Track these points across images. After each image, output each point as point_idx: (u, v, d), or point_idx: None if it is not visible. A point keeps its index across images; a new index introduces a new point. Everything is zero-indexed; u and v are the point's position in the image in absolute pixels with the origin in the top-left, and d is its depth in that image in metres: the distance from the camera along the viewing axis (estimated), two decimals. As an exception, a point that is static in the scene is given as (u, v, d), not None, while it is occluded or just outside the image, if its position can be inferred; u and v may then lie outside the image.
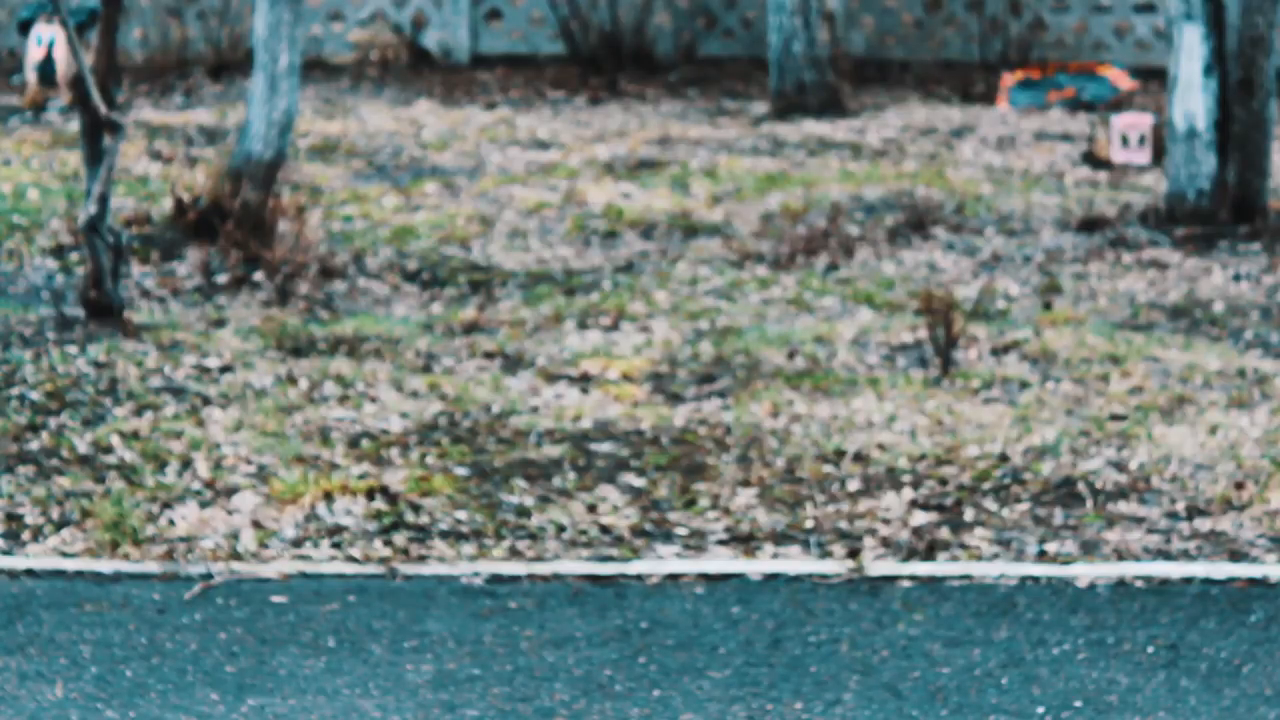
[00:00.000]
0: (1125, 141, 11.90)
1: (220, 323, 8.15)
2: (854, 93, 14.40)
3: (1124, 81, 14.43)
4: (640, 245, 9.79)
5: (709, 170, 11.54)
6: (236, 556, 5.69)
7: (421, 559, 5.69)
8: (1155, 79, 14.61)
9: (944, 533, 5.90)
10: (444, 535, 5.87)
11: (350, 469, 6.34)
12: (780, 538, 5.84)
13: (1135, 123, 11.97)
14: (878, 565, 5.63)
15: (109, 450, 6.52)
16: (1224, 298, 8.81)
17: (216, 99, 13.98)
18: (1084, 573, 5.57)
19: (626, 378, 7.47)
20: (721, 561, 5.66)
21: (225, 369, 7.45)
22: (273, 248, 8.94)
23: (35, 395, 7.08)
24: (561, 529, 5.92)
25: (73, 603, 5.34)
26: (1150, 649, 5.05)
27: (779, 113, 13.71)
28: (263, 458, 6.45)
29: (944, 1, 16.04)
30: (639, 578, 5.55)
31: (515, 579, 5.55)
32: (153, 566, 5.62)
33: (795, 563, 5.64)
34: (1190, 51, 10.06)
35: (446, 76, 15.28)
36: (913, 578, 5.54)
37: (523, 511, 6.05)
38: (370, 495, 6.11)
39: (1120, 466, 6.44)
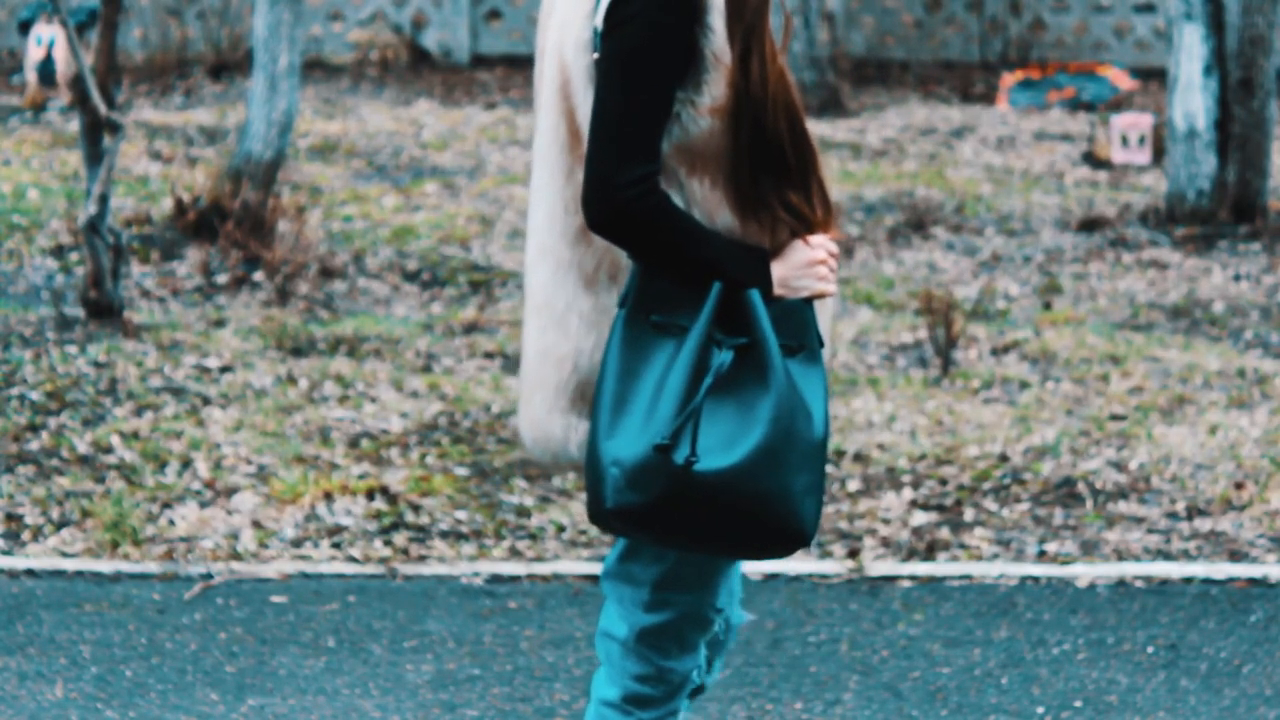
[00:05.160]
0: (1125, 141, 11.90)
1: (220, 323, 8.15)
2: (854, 93, 14.40)
3: (1124, 81, 14.42)
4: (640, 245, 9.78)
5: (709, 170, 11.53)
6: (236, 556, 5.69)
7: (421, 559, 5.69)
8: (1155, 79, 14.61)
9: (944, 533, 5.90)
10: (444, 535, 5.87)
11: (350, 469, 6.34)
12: (780, 538, 5.83)
13: (1135, 123, 11.97)
14: (878, 565, 5.63)
15: (109, 450, 6.52)
16: (1224, 298, 8.81)
17: (216, 99, 13.98)
18: (1084, 573, 5.57)
19: (626, 378, 7.46)
20: (721, 561, 5.65)
21: (225, 369, 7.45)
22: (273, 248, 8.94)
23: (35, 395, 7.07)
24: (561, 529, 5.92)
25: (73, 603, 5.34)
26: (1150, 649, 5.05)
27: (779, 113, 13.69)
28: (263, 458, 6.45)
29: (944, 1, 16.04)
30: (639, 578, 5.55)
31: (515, 579, 5.55)
32: (153, 566, 5.62)
33: (795, 563, 5.64)
34: (1190, 51, 10.06)
35: (446, 76, 15.28)
36: (913, 578, 5.55)
37: (523, 511, 6.05)
38: (370, 495, 6.11)
39: (1120, 466, 6.44)
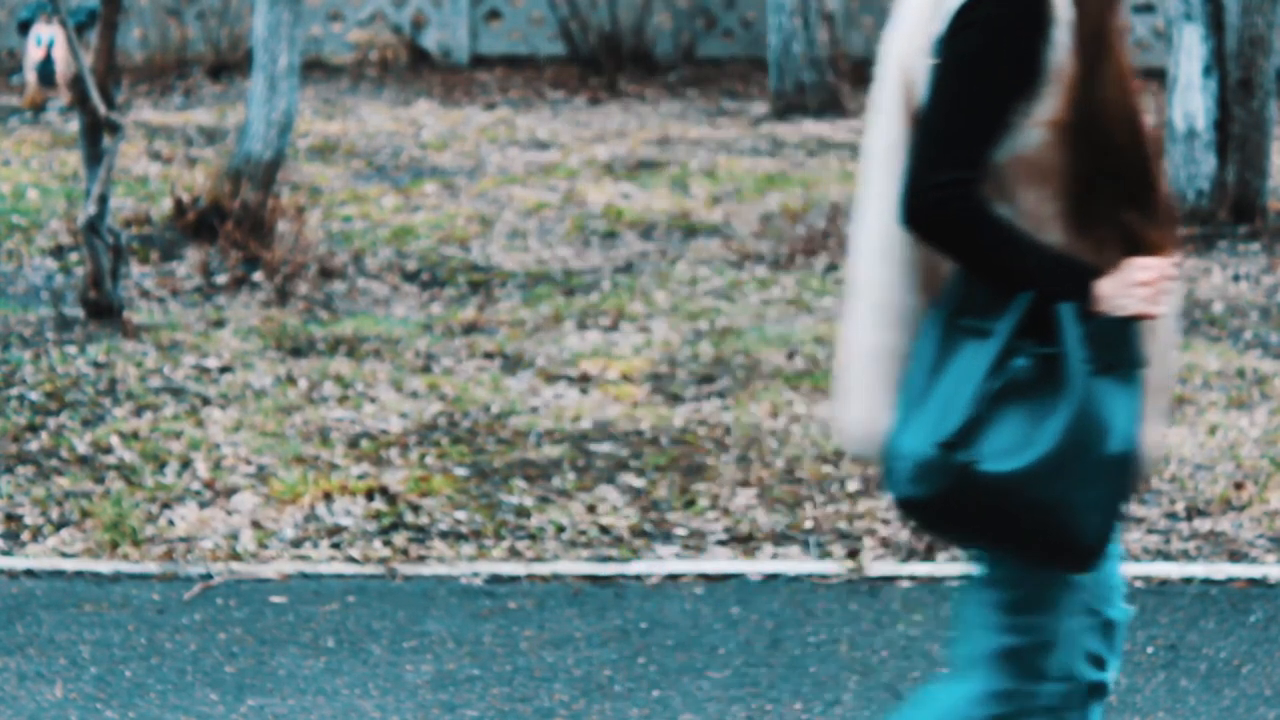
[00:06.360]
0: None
1: (220, 323, 8.15)
2: (853, 93, 14.40)
3: (1123, 82, 14.41)
4: (640, 245, 9.79)
5: (708, 170, 11.54)
6: (236, 557, 5.69)
7: (421, 559, 5.69)
8: (1155, 79, 14.61)
9: (944, 533, 5.89)
10: (444, 535, 5.87)
11: (350, 469, 6.34)
12: (780, 538, 5.84)
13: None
14: (877, 565, 5.63)
15: (108, 450, 6.52)
16: (1224, 298, 8.81)
17: (216, 99, 13.98)
18: (1084, 573, 5.57)
19: (626, 378, 7.47)
20: (721, 562, 5.66)
21: (225, 369, 7.45)
22: (272, 248, 8.94)
23: (35, 395, 7.07)
24: (561, 529, 5.92)
25: (72, 603, 5.34)
26: (1150, 649, 5.05)
27: (778, 113, 13.72)
28: (262, 458, 6.45)
29: (943, 2, 16.04)
30: (638, 578, 5.55)
31: (515, 579, 5.55)
32: (152, 566, 5.62)
33: (795, 563, 5.64)
34: (1190, 52, 10.06)
35: (446, 76, 15.28)
36: (912, 578, 5.54)
37: (522, 512, 6.05)
38: (370, 495, 6.11)
39: (1120, 467, 6.43)
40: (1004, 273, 3.03)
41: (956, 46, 3.02)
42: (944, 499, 3.03)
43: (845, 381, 3.26)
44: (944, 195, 3.00)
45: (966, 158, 3.01)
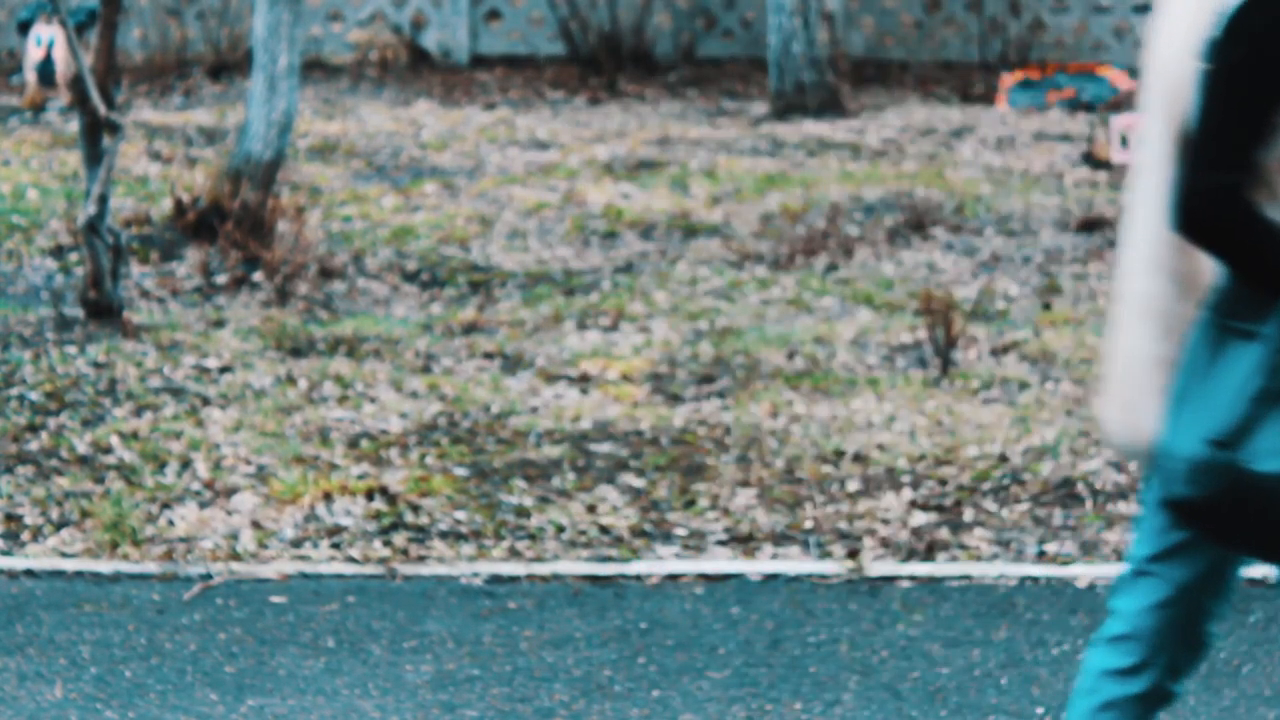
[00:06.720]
0: (1125, 141, 11.90)
1: (219, 323, 8.15)
2: (853, 93, 14.41)
3: (1124, 81, 14.43)
4: (640, 245, 9.79)
5: (708, 170, 11.54)
6: (236, 557, 5.69)
7: (421, 559, 5.69)
8: (1155, 79, 14.59)
9: (943, 533, 5.90)
10: (443, 535, 5.87)
11: (350, 469, 6.34)
12: (779, 538, 5.84)
13: (1135, 123, 11.96)
14: (877, 565, 5.63)
15: (108, 450, 6.52)
16: (1223, 298, 8.80)
17: (216, 99, 13.98)
18: (1084, 573, 5.57)
19: (626, 378, 7.47)
20: (721, 562, 5.66)
21: (225, 369, 7.45)
22: (272, 248, 8.94)
23: (35, 395, 7.07)
24: (561, 529, 5.92)
25: (72, 603, 5.35)
26: (1150, 649, 5.04)
27: (778, 113, 13.71)
28: (262, 458, 6.45)
29: (944, 2, 16.05)
30: (638, 578, 5.55)
31: (515, 579, 5.55)
32: (152, 567, 5.62)
33: (794, 563, 5.64)
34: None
35: (446, 77, 15.28)
36: (912, 578, 5.55)
37: (522, 512, 6.05)
38: (370, 495, 6.11)
39: (1120, 466, 6.44)
40: (1274, 274, 3.06)
41: (1226, 53, 3.07)
42: (1217, 499, 3.07)
43: (1118, 387, 3.32)
44: (1214, 199, 3.05)
45: (1236, 161, 3.06)
